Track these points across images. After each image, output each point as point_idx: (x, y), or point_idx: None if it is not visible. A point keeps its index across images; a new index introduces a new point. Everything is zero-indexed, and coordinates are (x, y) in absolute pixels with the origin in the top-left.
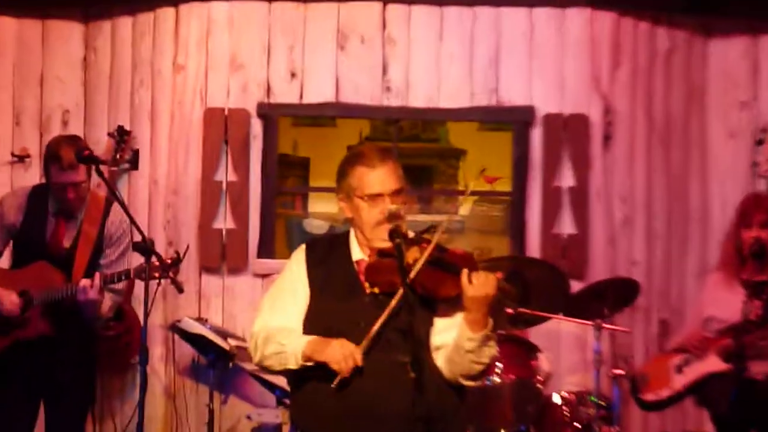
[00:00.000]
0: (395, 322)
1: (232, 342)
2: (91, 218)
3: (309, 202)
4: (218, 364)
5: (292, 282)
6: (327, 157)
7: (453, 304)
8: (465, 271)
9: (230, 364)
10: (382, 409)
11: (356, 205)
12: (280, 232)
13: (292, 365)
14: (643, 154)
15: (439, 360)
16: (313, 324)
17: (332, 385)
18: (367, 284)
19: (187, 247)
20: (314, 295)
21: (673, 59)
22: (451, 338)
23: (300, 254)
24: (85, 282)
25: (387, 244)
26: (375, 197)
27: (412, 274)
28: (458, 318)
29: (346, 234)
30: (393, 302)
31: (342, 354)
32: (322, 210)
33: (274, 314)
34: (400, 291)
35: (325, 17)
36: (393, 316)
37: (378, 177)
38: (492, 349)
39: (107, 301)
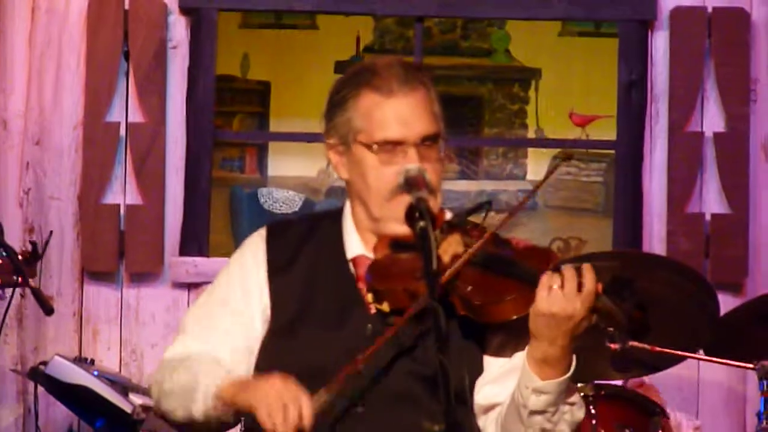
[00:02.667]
0: (416, 363)
1: (137, 400)
2: None
3: (269, 159)
4: None
5: (239, 290)
6: (299, 82)
7: (516, 333)
8: (544, 277)
9: None
10: None
11: (358, 158)
12: (220, 210)
13: (198, 411)
14: None
15: (489, 429)
16: (276, 364)
17: None
18: (370, 297)
19: (50, 234)
20: (278, 316)
21: None
22: (508, 393)
23: (256, 246)
24: None
25: (407, 229)
26: (392, 146)
27: (448, 281)
28: (520, 359)
29: (337, 213)
30: (402, 320)
31: (278, 399)
32: (291, 173)
33: (202, 337)
34: (411, 309)
35: None
36: (412, 351)
37: (398, 110)
38: (578, 412)
39: None
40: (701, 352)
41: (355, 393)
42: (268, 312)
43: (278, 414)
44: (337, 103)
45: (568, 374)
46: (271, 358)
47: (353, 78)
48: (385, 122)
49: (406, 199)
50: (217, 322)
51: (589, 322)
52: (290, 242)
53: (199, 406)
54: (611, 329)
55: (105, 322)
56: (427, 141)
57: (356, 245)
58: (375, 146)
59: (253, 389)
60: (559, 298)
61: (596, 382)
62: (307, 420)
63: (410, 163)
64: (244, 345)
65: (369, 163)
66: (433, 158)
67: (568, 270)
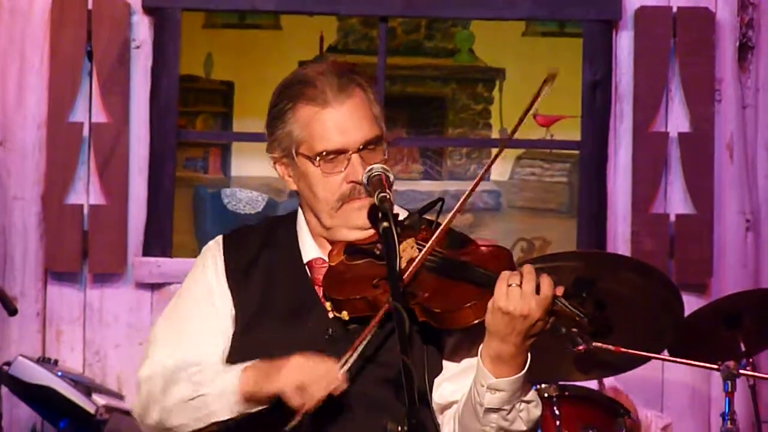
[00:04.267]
0: (379, 366)
1: (100, 400)
2: None
3: (232, 159)
4: None
5: (202, 297)
6: (263, 82)
7: (474, 333)
8: (504, 274)
9: None
10: None
11: (303, 170)
12: (183, 210)
13: (222, 414)
14: None
15: (447, 428)
16: (239, 362)
17: (286, 429)
18: (328, 304)
19: None
20: (242, 319)
21: None
22: (464, 391)
23: (213, 254)
24: None
25: (359, 235)
26: (335, 156)
27: (406, 288)
28: (477, 358)
29: (291, 218)
30: (369, 327)
31: (304, 376)
32: (254, 173)
33: (175, 349)
34: (380, 311)
35: None
36: (374, 356)
37: (336, 120)
38: (534, 410)
39: None
40: (666, 352)
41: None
42: (232, 316)
43: (318, 384)
44: (276, 117)
45: (523, 372)
46: (236, 357)
47: (288, 90)
48: (324, 133)
49: (355, 206)
50: (192, 331)
51: (546, 324)
52: (247, 249)
53: (220, 413)
54: (574, 330)
55: (68, 323)
56: (370, 145)
57: (312, 249)
58: (317, 158)
59: (276, 375)
60: (517, 296)
61: (561, 383)
62: (339, 384)
63: (354, 170)
64: (220, 342)
65: (313, 175)
66: (378, 161)
67: (527, 270)
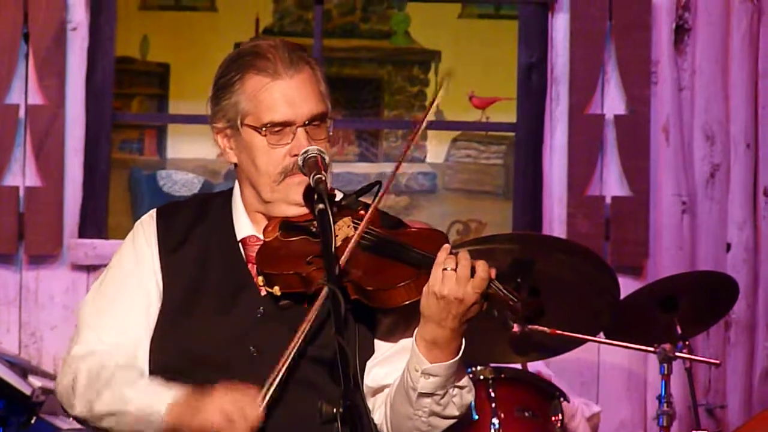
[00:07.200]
0: (313, 347)
1: (36, 382)
2: None
3: (168, 141)
4: (12, 419)
5: (132, 274)
6: (199, 63)
7: (407, 316)
8: (439, 258)
9: (33, 420)
10: None
11: (247, 141)
12: (119, 192)
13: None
14: (747, 55)
15: (378, 412)
16: (167, 350)
17: None
18: (260, 280)
19: None
20: (169, 299)
21: None
22: (396, 375)
23: (145, 229)
24: None
25: (297, 211)
26: (281, 128)
27: (341, 265)
28: (409, 341)
29: (226, 194)
30: (311, 312)
31: (226, 415)
32: (190, 155)
33: (104, 330)
34: (322, 293)
35: None
36: (308, 336)
37: (285, 92)
38: (467, 395)
39: None
40: (601, 335)
41: (255, 381)
42: (160, 295)
43: (230, 427)
44: (223, 87)
45: (457, 357)
46: (161, 345)
47: (238, 61)
48: (272, 104)
49: (295, 181)
50: (121, 310)
51: (481, 308)
52: (181, 223)
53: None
54: (507, 313)
55: (4, 304)
56: (315, 121)
57: (246, 226)
58: (263, 129)
59: (199, 412)
60: (452, 281)
61: (496, 365)
62: (255, 421)
63: (299, 144)
64: (145, 324)
65: (258, 146)
66: (322, 137)
67: (463, 254)
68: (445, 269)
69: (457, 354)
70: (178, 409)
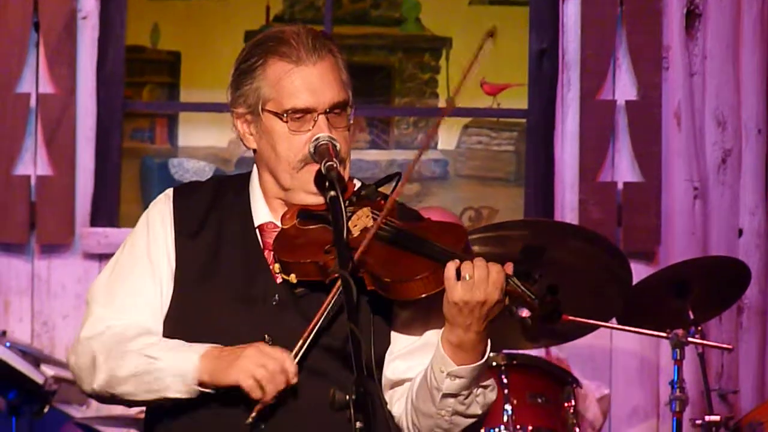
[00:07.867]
0: (327, 336)
1: (49, 371)
2: None
3: (180, 130)
4: (25, 408)
5: (146, 252)
6: (210, 52)
7: (426, 310)
8: (452, 267)
9: (46, 408)
10: None
11: (268, 127)
12: (131, 180)
13: (176, 392)
14: (759, 40)
15: (398, 405)
16: (179, 335)
17: (247, 421)
18: (276, 267)
19: None
20: (182, 283)
21: None
22: (418, 369)
23: (162, 208)
24: None
25: (316, 200)
26: (302, 114)
27: (359, 255)
28: (431, 336)
29: (244, 178)
30: (325, 302)
31: (264, 368)
32: (202, 143)
33: (117, 310)
34: (337, 283)
35: None
36: (324, 324)
37: (308, 79)
38: (491, 394)
39: None
40: (614, 321)
41: None
42: (173, 272)
43: (268, 379)
44: (244, 72)
45: (483, 359)
46: (176, 325)
47: (261, 46)
48: (294, 91)
49: (315, 169)
50: (135, 290)
51: (503, 306)
52: (197, 206)
53: (173, 391)
54: (526, 316)
55: (16, 294)
56: (337, 109)
57: (263, 213)
58: (284, 115)
59: (232, 366)
60: (470, 286)
61: (508, 351)
62: (292, 375)
63: (320, 131)
64: (158, 305)
65: (278, 132)
66: (343, 126)
67: (477, 260)
68: (462, 277)
69: (483, 356)
70: (210, 362)
